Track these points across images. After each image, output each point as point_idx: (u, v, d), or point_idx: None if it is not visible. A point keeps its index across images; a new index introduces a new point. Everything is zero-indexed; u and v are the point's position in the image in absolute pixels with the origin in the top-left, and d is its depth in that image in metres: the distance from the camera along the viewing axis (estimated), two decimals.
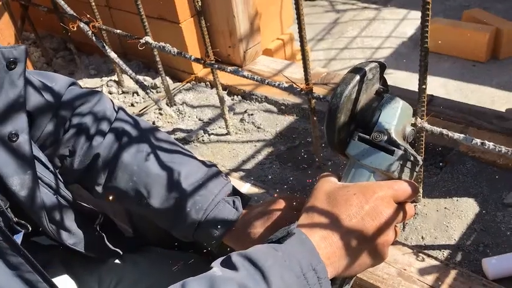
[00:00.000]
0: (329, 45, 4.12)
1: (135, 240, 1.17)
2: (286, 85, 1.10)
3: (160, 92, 1.75)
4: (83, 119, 0.93)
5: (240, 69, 1.22)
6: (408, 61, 3.58)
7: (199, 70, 1.77)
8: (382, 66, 0.77)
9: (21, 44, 1.90)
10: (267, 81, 1.13)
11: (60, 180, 0.89)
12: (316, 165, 1.27)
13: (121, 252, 1.00)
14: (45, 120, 0.91)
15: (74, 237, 0.91)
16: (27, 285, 0.67)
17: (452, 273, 0.92)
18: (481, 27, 3.58)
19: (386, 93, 0.78)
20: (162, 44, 1.30)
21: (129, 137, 0.93)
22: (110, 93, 1.79)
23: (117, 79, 1.81)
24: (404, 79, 3.42)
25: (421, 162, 0.78)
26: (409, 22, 4.19)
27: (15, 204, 0.78)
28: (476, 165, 1.18)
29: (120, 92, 1.80)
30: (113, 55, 1.57)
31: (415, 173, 0.78)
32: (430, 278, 0.92)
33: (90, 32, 1.50)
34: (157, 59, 1.51)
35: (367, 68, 0.73)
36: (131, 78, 1.60)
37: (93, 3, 1.52)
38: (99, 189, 0.94)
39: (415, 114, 0.84)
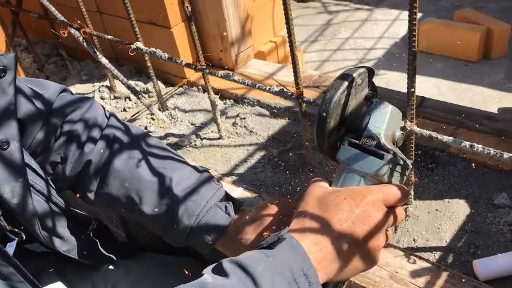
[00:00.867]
0: (322, 47, 4.14)
1: (128, 245, 1.17)
2: (277, 89, 1.10)
3: (152, 96, 1.75)
4: (74, 126, 0.93)
5: (231, 73, 1.22)
6: (400, 62, 3.60)
7: (191, 74, 1.77)
8: (371, 72, 0.78)
9: (12, 50, 1.90)
10: (257, 85, 1.13)
11: (52, 187, 0.89)
12: (308, 168, 1.27)
13: (115, 258, 1.00)
14: (36, 128, 0.91)
15: (67, 244, 0.91)
16: None
17: (444, 275, 0.93)
18: (472, 27, 3.61)
19: (375, 97, 0.79)
20: (153, 49, 1.30)
21: (120, 144, 0.93)
22: (102, 98, 1.79)
23: (109, 84, 1.80)
24: (397, 79, 3.44)
25: (410, 166, 0.79)
26: (401, 23, 4.21)
27: (8, 212, 0.78)
28: (467, 166, 1.19)
29: (112, 97, 1.80)
30: (104, 61, 1.56)
31: (405, 177, 0.79)
32: (421, 281, 0.93)
33: (81, 38, 1.49)
34: (149, 64, 1.51)
35: (355, 74, 0.74)
36: (123, 83, 1.60)
37: (84, 9, 1.52)
38: (91, 195, 0.94)
39: (404, 118, 0.84)
